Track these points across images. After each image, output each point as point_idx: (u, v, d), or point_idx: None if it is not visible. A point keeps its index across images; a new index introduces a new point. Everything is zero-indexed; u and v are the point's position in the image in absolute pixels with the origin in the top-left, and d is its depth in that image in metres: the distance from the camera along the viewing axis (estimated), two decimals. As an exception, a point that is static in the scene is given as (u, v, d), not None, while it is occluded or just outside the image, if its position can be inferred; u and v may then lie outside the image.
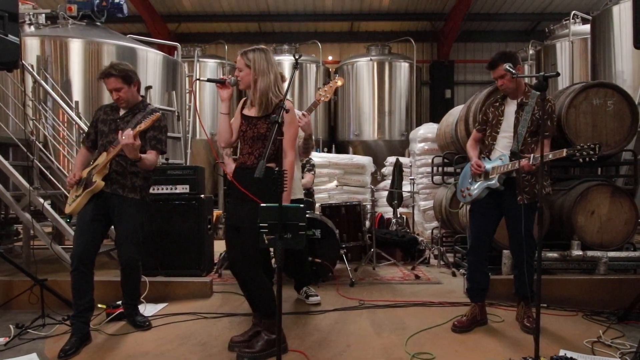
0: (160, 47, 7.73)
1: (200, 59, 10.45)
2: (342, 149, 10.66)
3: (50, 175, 4.89)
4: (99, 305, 3.43)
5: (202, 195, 4.55)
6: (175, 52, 7.51)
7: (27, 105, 4.90)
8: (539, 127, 3.09)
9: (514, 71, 3.03)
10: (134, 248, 3.22)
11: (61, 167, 4.97)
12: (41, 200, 4.38)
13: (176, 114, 6.78)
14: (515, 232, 3.15)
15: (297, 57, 2.54)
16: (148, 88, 6.14)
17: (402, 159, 7.71)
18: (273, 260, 3.74)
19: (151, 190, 3.43)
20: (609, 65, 5.95)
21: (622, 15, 5.79)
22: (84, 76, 5.70)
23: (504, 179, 3.20)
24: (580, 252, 4.04)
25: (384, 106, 10.45)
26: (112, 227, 3.31)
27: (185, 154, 7.22)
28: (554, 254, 4.10)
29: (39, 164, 4.65)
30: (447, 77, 12.71)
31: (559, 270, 4.14)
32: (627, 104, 4.24)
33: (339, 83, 3.77)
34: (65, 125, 5.35)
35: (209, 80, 3.07)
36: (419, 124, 9.83)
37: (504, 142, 3.25)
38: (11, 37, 3.21)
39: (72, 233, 4.19)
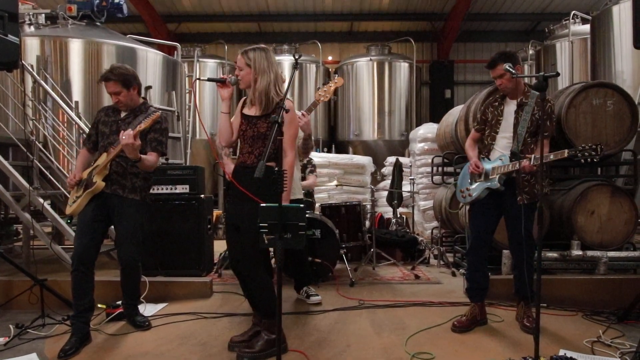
0: (160, 47, 7.73)
1: (200, 59, 10.45)
2: (342, 149, 10.66)
3: (50, 175, 4.89)
4: (99, 305, 3.43)
5: (202, 195, 4.55)
6: (175, 52, 7.51)
7: (27, 105, 4.90)
8: (538, 127, 3.09)
9: (513, 71, 3.03)
10: (134, 248, 3.22)
11: (61, 167, 4.97)
12: (41, 200, 4.38)
13: (176, 114, 6.78)
14: (515, 232, 3.15)
15: (297, 57, 2.54)
16: (148, 88, 6.14)
17: (402, 159, 7.71)
18: (273, 260, 3.74)
19: (151, 190, 3.43)
20: (609, 65, 5.95)
21: (622, 15, 5.79)
22: (83, 76, 5.70)
23: (504, 179, 3.20)
24: (580, 252, 4.04)
25: (383, 106, 10.45)
26: (112, 227, 3.31)
27: (185, 154, 7.22)
28: (553, 254, 4.10)
29: (38, 164, 4.65)
30: (447, 77, 12.72)
31: (558, 270, 4.14)
32: (627, 104, 4.24)
33: (339, 83, 3.77)
34: (65, 125, 5.35)
35: (209, 80, 3.07)
36: (418, 124, 9.83)
37: (503, 142, 3.25)
38: (11, 37, 3.21)
39: (72, 233, 4.20)
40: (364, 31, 12.96)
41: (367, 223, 5.44)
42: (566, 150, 2.94)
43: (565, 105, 4.22)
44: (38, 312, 3.42)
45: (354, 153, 9.95)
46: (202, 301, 3.93)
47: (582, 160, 2.89)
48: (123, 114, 3.26)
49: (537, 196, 3.14)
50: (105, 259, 4.77)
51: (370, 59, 10.55)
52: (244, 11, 11.92)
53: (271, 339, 2.78)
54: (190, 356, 2.85)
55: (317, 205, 5.38)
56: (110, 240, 4.36)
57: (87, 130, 4.87)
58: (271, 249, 3.37)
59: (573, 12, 8.32)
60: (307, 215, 4.12)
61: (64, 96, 5.34)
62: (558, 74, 2.65)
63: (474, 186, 3.33)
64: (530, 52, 10.08)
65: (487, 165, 3.26)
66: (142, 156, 3.07)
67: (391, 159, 8.54)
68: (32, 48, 5.54)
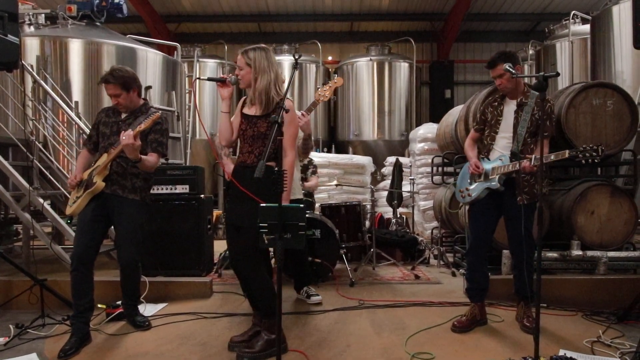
0: (160, 47, 7.73)
1: (200, 59, 10.45)
2: (341, 149, 10.66)
3: (50, 176, 4.89)
4: (99, 305, 3.43)
5: (202, 195, 4.55)
6: (175, 52, 7.51)
7: (26, 105, 4.90)
8: (538, 127, 3.09)
9: (513, 71, 3.03)
10: (134, 249, 3.22)
11: (61, 167, 4.97)
12: (41, 200, 4.38)
13: (176, 114, 6.78)
14: (515, 233, 3.15)
15: (296, 57, 2.54)
16: (148, 88, 6.14)
17: (401, 159, 7.72)
18: (273, 261, 3.74)
19: (151, 191, 3.43)
20: (609, 65, 5.96)
21: (621, 15, 5.79)
22: (83, 76, 5.70)
23: (504, 180, 3.20)
24: (580, 252, 4.04)
25: (383, 106, 10.45)
26: (112, 227, 3.31)
27: (185, 154, 7.23)
28: (553, 254, 4.10)
29: (38, 164, 4.66)
30: (446, 77, 12.71)
31: (558, 270, 4.14)
32: (627, 104, 4.25)
33: (338, 83, 3.77)
34: (65, 125, 5.35)
35: (209, 79, 3.07)
36: (418, 124, 9.83)
37: (503, 142, 3.25)
38: (11, 37, 3.21)
39: (72, 233, 4.20)
40: (364, 31, 12.95)
41: (367, 223, 5.44)
42: (567, 151, 2.94)
43: (565, 105, 4.22)
44: (38, 312, 3.42)
45: (354, 153, 9.95)
46: (202, 301, 3.94)
47: (583, 161, 2.89)
48: (124, 115, 3.26)
49: (536, 196, 3.14)
50: (105, 259, 4.77)
51: (370, 59, 10.55)
52: (244, 11, 11.91)
53: (271, 339, 2.78)
54: (190, 356, 2.85)
55: (317, 205, 5.38)
56: (110, 240, 4.36)
57: (87, 130, 4.88)
58: (271, 249, 3.37)
59: (573, 12, 8.32)
60: (307, 215, 4.12)
61: (64, 96, 5.34)
62: (558, 74, 2.65)
63: (473, 186, 3.33)
64: (530, 52, 10.08)
65: (487, 166, 3.26)
66: (143, 157, 3.07)
67: (391, 159, 8.54)
68: (32, 48, 5.54)
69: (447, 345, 2.96)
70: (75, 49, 5.69)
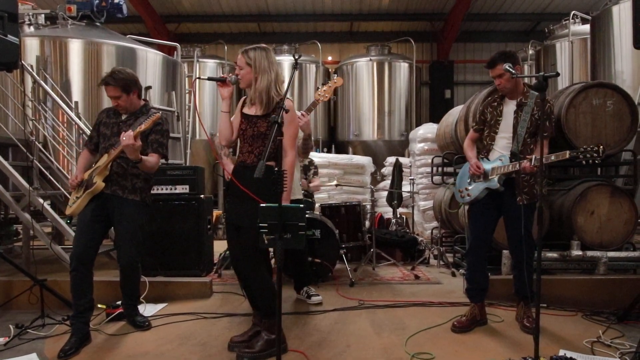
0: (159, 47, 7.73)
1: (200, 59, 10.45)
2: (341, 149, 10.66)
3: (49, 176, 4.89)
4: (99, 306, 3.43)
5: (202, 196, 4.55)
6: (175, 52, 7.51)
7: (26, 105, 4.90)
8: (538, 127, 3.09)
9: (513, 71, 3.02)
10: (134, 249, 3.22)
11: (61, 168, 4.97)
12: (41, 200, 4.38)
13: (176, 114, 6.78)
14: (515, 233, 3.14)
15: (296, 57, 2.54)
16: (148, 88, 6.14)
17: (401, 159, 7.72)
18: (273, 261, 3.73)
19: (151, 191, 3.43)
20: (609, 66, 5.96)
21: (621, 15, 5.79)
22: (83, 76, 5.70)
23: (504, 180, 3.20)
24: (580, 252, 4.04)
25: (383, 106, 10.45)
26: (113, 228, 3.31)
27: (184, 154, 7.23)
28: (553, 254, 4.10)
29: (38, 164, 4.66)
30: (446, 77, 12.71)
31: (558, 270, 4.14)
32: (627, 104, 4.25)
33: (338, 83, 3.77)
34: (65, 125, 5.36)
35: (209, 79, 3.07)
36: (418, 124, 9.83)
37: (502, 142, 3.25)
38: (11, 38, 3.21)
39: (72, 233, 4.20)
40: (363, 31, 12.96)
41: (367, 223, 5.44)
42: (568, 152, 2.94)
43: (565, 105, 4.22)
44: (38, 312, 3.42)
45: (354, 153, 9.94)
46: (202, 301, 3.93)
47: (584, 162, 2.89)
48: (124, 116, 3.27)
49: (536, 196, 3.14)
50: (105, 259, 4.77)
51: (370, 59, 10.55)
52: (244, 11, 11.91)
53: (271, 339, 2.78)
54: (190, 356, 2.85)
55: (317, 205, 5.38)
56: (110, 240, 4.36)
57: (86, 130, 4.89)
58: (271, 249, 3.37)
59: (573, 12, 8.32)
60: (307, 216, 4.12)
61: (64, 96, 5.34)
62: (558, 74, 2.65)
63: (472, 186, 3.33)
64: (530, 52, 10.08)
65: (487, 166, 3.26)
66: (143, 157, 3.07)
67: (391, 159, 8.55)
68: (31, 48, 5.54)
69: (447, 346, 2.96)
70: (75, 49, 5.69)
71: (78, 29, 5.97)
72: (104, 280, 3.82)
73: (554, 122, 3.40)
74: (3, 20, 3.14)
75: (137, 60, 6.12)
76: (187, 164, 7.10)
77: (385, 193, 7.61)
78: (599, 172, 4.64)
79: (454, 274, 4.86)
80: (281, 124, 2.37)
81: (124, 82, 3.14)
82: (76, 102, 5.46)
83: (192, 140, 8.19)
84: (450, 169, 5.84)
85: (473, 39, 12.96)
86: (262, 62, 2.81)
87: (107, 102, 4.64)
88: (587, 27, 7.07)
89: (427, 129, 7.91)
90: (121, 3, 6.24)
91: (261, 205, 2.28)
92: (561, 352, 2.74)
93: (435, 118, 9.34)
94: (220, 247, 5.15)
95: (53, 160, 4.89)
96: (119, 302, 3.45)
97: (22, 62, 4.49)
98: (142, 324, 3.32)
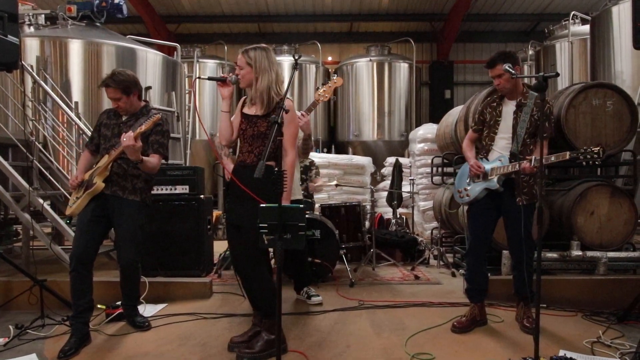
0: (159, 47, 7.72)
1: (200, 60, 10.45)
2: (341, 149, 10.66)
3: (49, 176, 4.89)
4: (99, 306, 3.43)
5: (202, 196, 4.55)
6: (175, 52, 7.51)
7: (26, 105, 4.90)
8: (537, 128, 3.09)
9: (513, 71, 3.02)
10: (134, 250, 3.22)
11: (61, 168, 4.97)
12: (41, 200, 4.38)
13: (176, 114, 6.78)
14: (515, 233, 3.14)
15: (296, 57, 2.54)
16: (148, 88, 6.14)
17: (401, 160, 7.72)
18: (273, 261, 3.74)
19: (151, 191, 3.43)
20: (609, 66, 5.96)
21: (621, 15, 5.80)
22: (83, 77, 5.70)
23: (503, 180, 3.20)
24: (580, 253, 4.04)
25: (383, 107, 10.45)
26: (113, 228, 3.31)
27: (184, 154, 7.23)
28: (553, 254, 4.10)
29: (38, 165, 4.65)
30: (446, 77, 12.72)
31: (558, 270, 4.14)
32: (627, 104, 4.25)
33: (338, 83, 3.77)
34: (65, 125, 5.35)
35: (209, 79, 3.07)
36: (418, 124, 9.83)
37: (502, 143, 3.24)
38: (11, 38, 3.21)
39: (72, 234, 4.20)
40: (363, 32, 12.96)
41: (367, 223, 5.44)
42: (568, 153, 2.94)
43: (565, 105, 4.22)
44: (38, 313, 3.42)
45: (354, 153, 9.94)
46: (202, 302, 3.93)
47: (584, 163, 2.89)
48: (124, 117, 3.27)
49: (536, 197, 3.14)
50: (105, 260, 4.77)
51: (370, 60, 10.55)
52: (244, 12, 11.92)
53: (271, 339, 2.78)
54: (190, 357, 2.85)
55: (316, 205, 5.38)
56: (110, 240, 4.36)
57: (86, 130, 4.89)
58: (271, 250, 3.38)
59: (573, 12, 8.32)
60: (306, 216, 4.12)
61: (64, 97, 5.34)
62: (558, 75, 2.65)
63: (471, 186, 3.32)
64: (530, 52, 10.08)
65: (486, 166, 3.26)
66: (144, 158, 3.07)
67: (391, 160, 8.55)
68: (31, 48, 5.54)
69: (447, 346, 2.96)
70: (75, 49, 5.69)
71: (78, 29, 5.97)
72: (103, 281, 3.82)
73: (553, 123, 3.39)
74: (3, 20, 3.14)
75: (137, 60, 6.12)
76: (187, 164, 7.10)
77: (385, 193, 7.61)
78: (599, 172, 4.64)
79: (453, 274, 4.86)
80: (281, 124, 2.37)
81: (124, 83, 3.15)
82: (76, 103, 5.46)
83: (192, 141, 8.19)
84: (450, 169, 5.84)
85: (473, 39, 12.97)
86: (263, 62, 2.81)
87: (107, 103, 4.64)
88: (586, 28, 7.07)
89: (427, 129, 7.91)
90: (121, 3, 6.24)
91: (261, 205, 2.28)
92: (561, 353, 2.74)
93: (435, 118, 9.34)
94: (220, 247, 5.15)
95: (53, 160, 4.89)
96: (119, 303, 3.45)
97: (22, 62, 4.48)
98: (142, 325, 3.32)
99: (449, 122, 5.80)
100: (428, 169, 7.06)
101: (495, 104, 3.31)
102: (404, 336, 3.11)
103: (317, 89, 3.69)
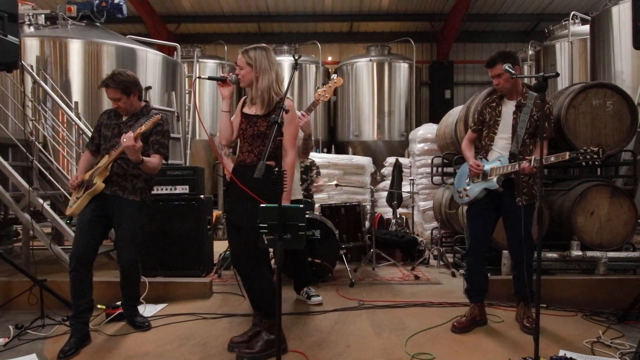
0: (159, 47, 7.72)
1: (200, 60, 10.45)
2: (341, 149, 10.65)
3: (49, 176, 4.89)
4: (99, 306, 3.43)
5: (202, 196, 4.55)
6: (175, 52, 7.51)
7: (26, 105, 4.90)
8: (537, 128, 3.09)
9: (513, 71, 3.02)
10: (134, 250, 3.22)
11: (61, 168, 4.97)
12: (41, 200, 4.38)
13: (176, 114, 6.78)
14: (514, 233, 3.14)
15: (296, 57, 2.54)
16: (147, 89, 6.14)
17: (401, 160, 7.72)
18: (273, 261, 3.74)
19: (151, 191, 3.43)
20: (608, 66, 5.96)
21: (621, 15, 5.80)
22: (83, 77, 5.70)
23: (502, 180, 3.20)
24: (580, 253, 4.04)
25: (383, 107, 10.44)
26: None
27: (184, 154, 7.23)
28: (553, 254, 4.10)
29: (38, 165, 4.65)
30: (446, 77, 12.71)
31: (558, 270, 4.14)
32: (627, 104, 4.25)
33: (338, 83, 3.77)
34: (65, 125, 5.35)
35: (210, 78, 3.08)
36: (418, 124, 9.83)
37: (501, 143, 3.24)
38: (11, 38, 3.21)
39: (72, 234, 4.20)
40: (363, 32, 12.95)
41: (367, 223, 5.44)
42: (567, 153, 2.94)
43: (565, 105, 4.22)
44: (37, 313, 3.42)
45: (354, 153, 9.94)
46: (202, 302, 3.93)
47: (584, 163, 2.89)
48: (125, 117, 3.28)
49: (535, 197, 3.14)
50: (105, 260, 4.77)
51: (370, 60, 10.55)
52: (244, 12, 11.91)
53: (271, 339, 2.78)
54: (190, 357, 2.85)
55: (316, 205, 5.38)
56: (110, 240, 4.36)
57: (86, 130, 4.89)
58: (271, 250, 3.38)
59: (573, 12, 8.32)
60: (306, 216, 4.12)
61: (64, 97, 5.34)
62: (558, 75, 2.65)
63: (471, 186, 3.32)
64: (530, 52, 10.08)
65: (486, 166, 3.26)
66: (145, 158, 3.07)
67: (391, 160, 8.54)
68: (31, 48, 5.54)
69: (447, 346, 2.96)
70: (75, 49, 5.69)
71: (78, 29, 5.97)
72: (103, 281, 3.82)
73: (553, 123, 3.39)
74: (3, 20, 3.15)
75: (137, 60, 6.12)
76: (187, 164, 7.10)
77: (385, 193, 7.61)
78: (598, 173, 4.64)
79: (453, 275, 4.86)
80: (281, 124, 2.37)
81: (124, 84, 3.15)
82: (76, 103, 5.46)
83: (192, 141, 8.19)
84: (450, 170, 5.84)
85: (473, 39, 12.96)
86: (263, 62, 2.82)
87: (107, 103, 4.65)
88: (586, 28, 7.07)
89: (427, 130, 7.91)
90: (121, 3, 6.24)
91: (261, 205, 2.28)
92: (561, 353, 2.74)
93: (435, 118, 9.34)
94: (220, 247, 5.15)
95: (53, 160, 4.89)
96: (119, 303, 3.45)
97: (22, 62, 4.49)
98: (142, 325, 3.32)
99: (449, 122, 5.80)
100: (428, 169, 7.05)
101: (494, 104, 3.31)
102: (404, 336, 3.11)
103: (317, 89, 3.69)
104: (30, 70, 5.01)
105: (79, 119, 5.18)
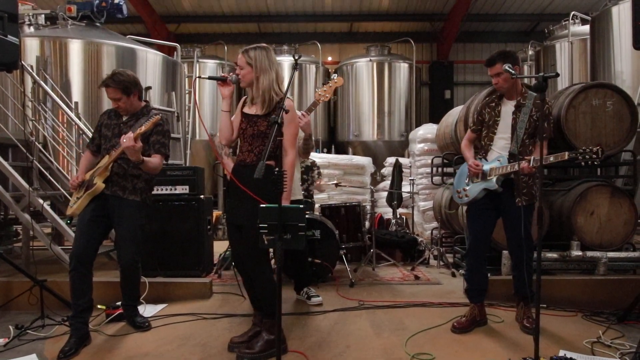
0: (159, 47, 7.72)
1: (200, 60, 10.45)
2: (341, 149, 10.66)
3: (49, 176, 4.89)
4: (99, 306, 3.43)
5: (202, 196, 4.55)
6: (175, 52, 7.51)
7: (26, 106, 4.90)
8: (536, 128, 3.09)
9: (513, 72, 3.02)
10: (134, 250, 3.22)
11: (60, 168, 4.97)
12: (41, 201, 4.38)
13: (176, 114, 6.78)
14: (514, 234, 3.14)
15: (296, 57, 2.54)
16: (148, 89, 6.14)
17: (401, 160, 7.72)
18: (273, 261, 3.74)
19: (152, 191, 3.43)
20: (608, 66, 5.96)
21: (621, 15, 5.79)
22: (83, 77, 5.70)
23: (502, 180, 3.20)
24: (580, 253, 4.04)
25: (383, 107, 10.45)
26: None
27: (184, 154, 7.23)
28: (553, 255, 4.10)
29: (38, 165, 4.65)
30: (446, 77, 12.71)
31: (558, 270, 4.14)
32: (627, 104, 4.25)
33: (339, 83, 3.77)
34: (65, 126, 5.35)
35: (210, 78, 3.08)
36: (418, 124, 9.83)
37: (501, 143, 3.24)
38: (11, 38, 3.22)
39: (72, 234, 4.20)
40: (363, 32, 12.95)
41: (367, 224, 5.44)
42: (566, 153, 2.94)
43: (565, 105, 4.22)
44: (38, 313, 3.42)
45: (354, 154, 9.95)
46: (202, 302, 3.93)
47: (583, 163, 2.89)
48: (125, 118, 3.28)
49: (535, 197, 3.14)
50: (105, 260, 4.77)
51: (370, 60, 10.55)
52: (244, 12, 11.91)
53: (271, 339, 2.78)
54: (190, 357, 2.85)
55: (316, 205, 5.38)
56: (110, 240, 4.36)
57: (86, 130, 4.89)
58: (271, 250, 3.38)
59: (573, 12, 8.32)
60: (306, 216, 4.12)
61: (64, 97, 5.33)
62: (558, 75, 2.64)
63: (470, 186, 3.32)
64: (530, 52, 10.08)
65: (485, 166, 3.25)
66: (145, 158, 3.07)
67: (391, 160, 8.54)
68: (31, 49, 5.54)
69: (447, 346, 2.96)
70: (75, 49, 5.69)
71: (78, 30, 5.97)
72: (103, 281, 3.82)
73: (552, 123, 3.39)
74: (3, 20, 3.15)
75: (137, 60, 6.12)
76: (187, 164, 7.10)
77: (385, 193, 7.61)
78: (598, 173, 4.64)
79: (453, 275, 4.86)
80: (281, 124, 2.37)
81: (124, 84, 3.15)
82: (76, 103, 5.46)
83: (192, 141, 8.19)
84: (450, 170, 5.84)
85: (473, 39, 12.96)
86: (263, 62, 2.82)
87: (107, 103, 4.65)
88: (586, 28, 7.07)
89: (427, 130, 7.91)
90: (121, 3, 6.24)
91: (261, 205, 2.28)
92: (561, 353, 2.74)
93: (435, 118, 9.34)
94: (220, 247, 5.15)
95: (53, 160, 4.89)
96: (119, 303, 3.45)
97: (22, 62, 4.48)
98: (142, 325, 3.32)
99: (449, 122, 5.80)
100: (428, 169, 7.06)
101: (494, 104, 3.30)
102: (404, 336, 3.11)
103: (317, 89, 3.69)
104: (30, 71, 5.01)
105: (79, 119, 5.18)
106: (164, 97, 6.60)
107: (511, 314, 3.47)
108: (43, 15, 6.05)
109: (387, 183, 8.22)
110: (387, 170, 8.72)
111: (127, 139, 2.94)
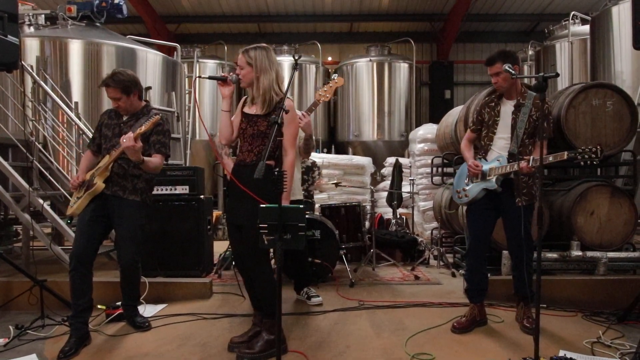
0: (159, 47, 7.72)
1: (200, 60, 10.45)
2: (341, 149, 10.65)
3: (49, 176, 4.89)
4: (99, 306, 3.43)
5: (202, 196, 4.55)
6: (175, 52, 7.51)
7: (26, 106, 4.90)
8: (536, 128, 3.09)
9: (513, 72, 3.02)
10: (134, 249, 3.23)
11: (60, 168, 4.97)
12: (41, 201, 4.38)
13: (176, 114, 6.78)
14: (514, 234, 3.14)
15: (296, 57, 2.55)
16: (148, 89, 6.14)
17: (401, 160, 7.72)
18: (273, 261, 3.74)
19: (152, 192, 3.43)
20: (608, 66, 5.96)
21: (621, 15, 5.80)
22: (83, 77, 5.70)
23: (502, 180, 3.20)
24: (580, 253, 4.04)
25: (383, 107, 10.44)
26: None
27: (184, 154, 7.23)
28: (553, 255, 4.10)
29: (38, 165, 4.65)
30: (446, 77, 12.71)
31: (558, 270, 4.14)
32: (627, 104, 4.25)
33: (339, 83, 3.77)
34: (65, 126, 5.35)
35: (210, 78, 3.08)
36: (418, 124, 9.83)
37: (501, 143, 3.24)
38: (11, 38, 3.22)
39: (72, 234, 4.21)
40: (363, 32, 12.96)
41: (367, 224, 5.44)
42: (565, 153, 2.94)
43: (565, 105, 4.22)
44: (38, 313, 3.42)
45: (354, 154, 9.95)
46: (202, 302, 3.93)
47: (582, 163, 2.89)
48: (125, 117, 3.28)
49: (535, 197, 3.14)
50: (105, 260, 4.77)
51: (370, 60, 10.55)
52: (244, 12, 11.92)
53: (271, 339, 2.78)
54: (190, 357, 2.85)
55: (316, 205, 5.38)
56: (110, 240, 4.36)
57: (86, 130, 4.89)
58: (271, 250, 3.38)
59: (573, 12, 8.32)
60: (306, 216, 4.12)
61: (64, 97, 5.33)
62: (557, 75, 2.64)
63: (470, 187, 3.32)
64: (530, 52, 10.07)
65: (485, 166, 3.25)
66: (146, 158, 3.07)
67: (391, 160, 8.54)
68: (31, 49, 5.54)
69: (447, 346, 2.97)
70: (75, 49, 5.69)
71: (78, 30, 5.97)
72: (103, 281, 3.82)
73: (552, 123, 3.38)
74: (3, 20, 3.15)
75: (137, 60, 6.12)
76: (187, 165, 7.10)
77: (385, 193, 7.61)
78: (598, 173, 4.64)
79: (453, 275, 4.86)
80: (281, 124, 2.37)
81: (124, 83, 3.15)
82: (76, 103, 5.46)
83: (192, 141, 8.19)
84: (450, 170, 5.84)
85: (473, 39, 12.96)
86: (263, 62, 2.82)
87: (107, 103, 4.65)
88: (586, 28, 7.07)
89: (427, 130, 7.91)
90: (121, 3, 6.24)
91: (261, 205, 2.28)
92: (561, 353, 2.74)
93: (435, 118, 9.34)
94: (220, 247, 5.15)
95: (53, 160, 4.89)
96: (119, 303, 3.45)
97: (22, 62, 4.49)
98: (142, 325, 3.32)
99: (448, 122, 5.80)
100: (428, 169, 7.05)
101: (493, 103, 3.30)
102: (404, 336, 3.11)
103: (317, 89, 3.69)
104: (30, 71, 5.01)
105: (79, 119, 5.18)
106: (164, 97, 6.60)
107: (511, 314, 3.47)
108: (43, 15, 6.05)
109: (387, 183, 8.22)
110: (387, 170, 8.72)
111: (127, 139, 2.94)
